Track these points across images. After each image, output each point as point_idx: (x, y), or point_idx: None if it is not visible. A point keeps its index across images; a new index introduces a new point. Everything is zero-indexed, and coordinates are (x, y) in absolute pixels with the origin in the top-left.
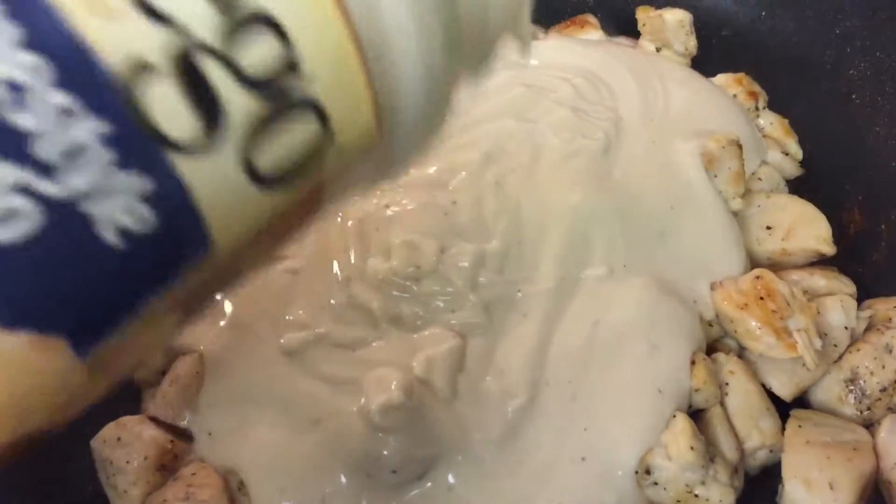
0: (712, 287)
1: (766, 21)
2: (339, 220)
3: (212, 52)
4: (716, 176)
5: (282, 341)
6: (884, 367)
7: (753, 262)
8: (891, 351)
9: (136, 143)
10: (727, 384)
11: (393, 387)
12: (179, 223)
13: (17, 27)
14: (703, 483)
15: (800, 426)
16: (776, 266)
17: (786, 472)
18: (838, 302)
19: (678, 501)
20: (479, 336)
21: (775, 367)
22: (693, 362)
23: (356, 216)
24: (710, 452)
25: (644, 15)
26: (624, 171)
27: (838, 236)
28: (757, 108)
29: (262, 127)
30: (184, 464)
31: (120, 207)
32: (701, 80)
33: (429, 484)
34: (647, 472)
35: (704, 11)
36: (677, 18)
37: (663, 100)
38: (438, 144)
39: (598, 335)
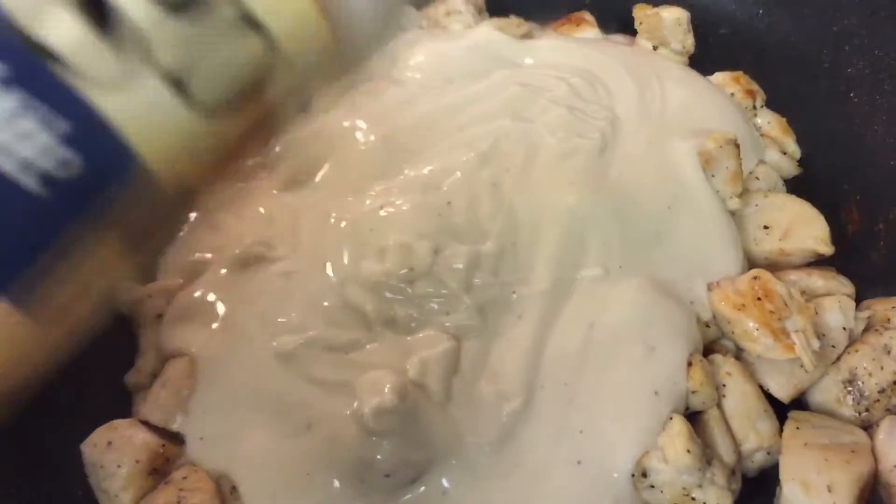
0: (709, 287)
1: (764, 19)
2: (332, 220)
3: None
4: (713, 175)
5: (274, 344)
6: (882, 368)
7: (751, 263)
8: (889, 352)
9: (42, 79)
10: (724, 386)
11: (386, 390)
12: (104, 157)
13: None
14: (699, 486)
15: (798, 428)
16: (774, 266)
17: (783, 474)
18: (836, 302)
19: None
20: (473, 338)
21: (773, 369)
22: (690, 364)
23: (350, 217)
24: (707, 455)
25: (641, 13)
26: (620, 171)
27: (836, 236)
28: (755, 107)
29: (192, 49)
30: (175, 468)
31: (36, 151)
32: (698, 78)
33: (423, 488)
34: (644, 475)
35: (702, 9)
36: (674, 16)
37: (660, 99)
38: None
39: (593, 337)
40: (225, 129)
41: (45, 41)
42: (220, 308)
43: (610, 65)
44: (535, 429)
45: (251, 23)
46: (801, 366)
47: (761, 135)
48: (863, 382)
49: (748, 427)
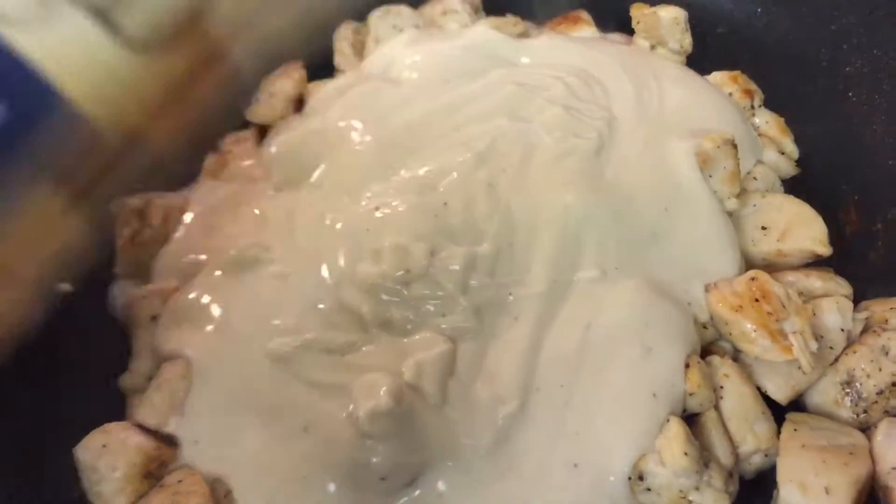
0: (707, 289)
1: (762, 18)
2: (327, 221)
3: None
4: (711, 176)
5: (270, 346)
6: (880, 369)
7: (748, 263)
8: (887, 353)
9: None
10: (722, 387)
11: (382, 392)
12: (27, 99)
13: None
14: (697, 489)
15: (795, 430)
16: (771, 267)
17: (781, 476)
18: (834, 304)
19: None
20: (469, 340)
21: (770, 370)
22: (687, 365)
23: (345, 218)
24: (704, 457)
25: (638, 12)
26: (617, 172)
27: (834, 236)
28: (752, 107)
29: None
30: (170, 471)
31: None
32: (696, 78)
33: (418, 491)
34: (641, 477)
35: (699, 8)
36: (672, 16)
37: (658, 98)
38: None
39: (590, 338)
40: (162, 67)
41: None
42: (215, 310)
43: (607, 64)
44: (531, 431)
45: None
46: (799, 367)
47: (759, 134)
48: (861, 384)
49: (746, 429)
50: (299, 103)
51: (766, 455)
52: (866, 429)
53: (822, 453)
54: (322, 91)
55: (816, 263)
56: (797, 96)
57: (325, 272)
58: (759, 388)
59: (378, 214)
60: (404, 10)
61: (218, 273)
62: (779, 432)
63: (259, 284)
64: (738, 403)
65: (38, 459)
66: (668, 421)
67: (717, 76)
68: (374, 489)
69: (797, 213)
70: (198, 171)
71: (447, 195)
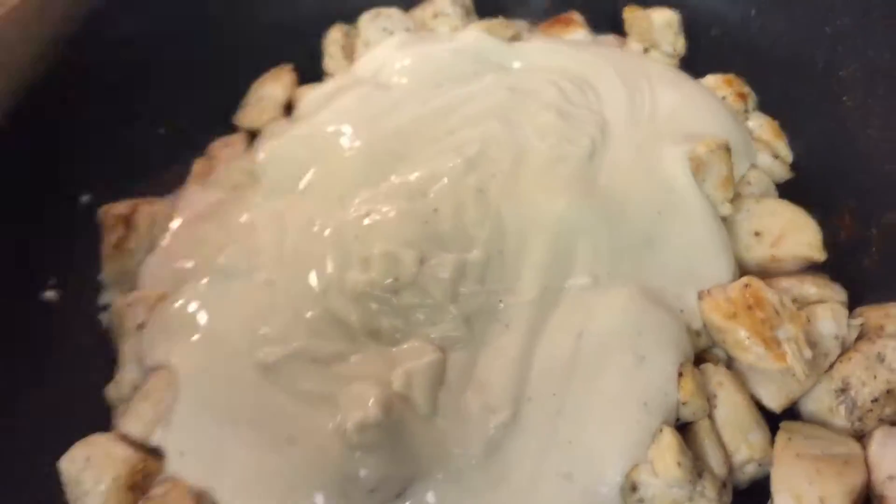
0: (700, 296)
1: (757, 20)
2: (316, 228)
3: None
4: (704, 180)
5: (256, 356)
6: (875, 377)
7: (742, 269)
8: (882, 360)
9: None
10: (715, 396)
11: (371, 403)
12: None
13: None
14: (690, 499)
15: (789, 439)
16: (765, 273)
17: (775, 486)
18: (828, 310)
19: None
20: (459, 349)
21: (765, 378)
22: (680, 374)
23: (334, 225)
24: (697, 467)
25: (631, 15)
26: (610, 177)
27: (829, 242)
28: (746, 110)
29: None
30: (155, 483)
31: None
32: (689, 81)
33: (408, 503)
34: (633, 488)
35: (693, 10)
36: (665, 19)
37: (651, 102)
38: None
39: (582, 346)
40: None
41: None
42: (202, 318)
43: (600, 68)
44: (522, 441)
45: None
46: (793, 375)
47: (753, 138)
48: (856, 392)
49: (739, 438)
50: (289, 108)
51: (760, 464)
52: (861, 437)
53: (816, 463)
54: (312, 95)
55: (811, 269)
56: (791, 100)
57: (313, 280)
58: (752, 396)
59: (367, 221)
60: (395, 12)
61: (205, 281)
62: (773, 441)
63: (246, 292)
64: (731, 412)
65: (21, 472)
66: (661, 430)
67: (710, 79)
68: (362, 501)
69: (791, 219)
70: (185, 177)
71: (437, 201)
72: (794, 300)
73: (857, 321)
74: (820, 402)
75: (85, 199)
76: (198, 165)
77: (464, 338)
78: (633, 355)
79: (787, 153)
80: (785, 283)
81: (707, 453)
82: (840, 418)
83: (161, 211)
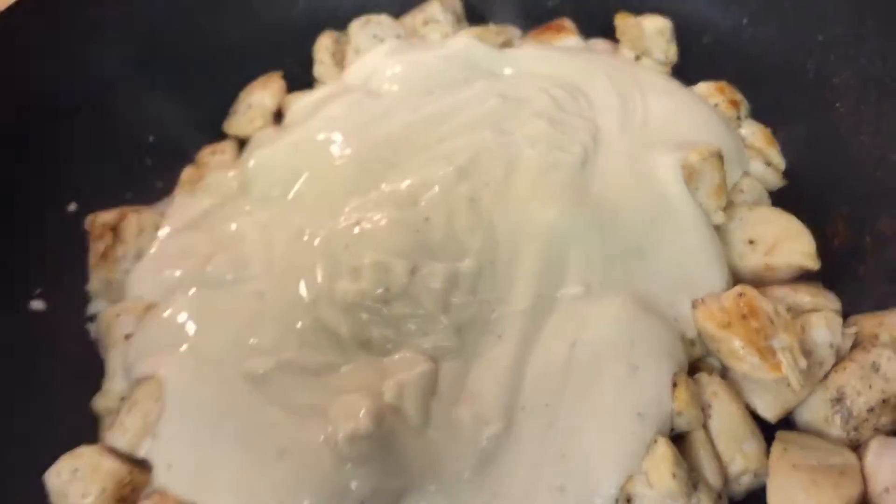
0: (694, 304)
1: (748, 28)
2: (306, 238)
3: None
4: (697, 189)
5: (245, 367)
6: (871, 386)
7: (736, 278)
8: (877, 370)
9: None
10: (710, 406)
11: (361, 414)
12: None
13: None
14: None
15: (785, 449)
16: (759, 281)
17: (771, 497)
18: (823, 319)
19: None
20: (451, 360)
21: (759, 388)
22: (674, 384)
23: (324, 234)
24: (692, 479)
25: (623, 22)
26: (602, 185)
27: (822, 250)
28: (739, 118)
29: None
30: (143, 496)
31: None
32: (681, 89)
33: None
34: (628, 500)
35: (685, 18)
36: (657, 26)
37: (643, 110)
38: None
39: (575, 356)
40: None
41: None
42: (190, 329)
43: (592, 75)
44: (515, 453)
45: None
46: (788, 385)
47: (745, 146)
48: (851, 402)
49: (735, 449)
50: (278, 115)
51: (755, 475)
52: (857, 447)
53: (812, 474)
54: (301, 103)
55: (804, 277)
56: (783, 107)
57: (302, 290)
58: (747, 406)
59: (357, 230)
60: (385, 19)
61: (193, 290)
62: (768, 451)
63: (235, 302)
64: (726, 422)
65: (6, 484)
66: (655, 441)
67: (702, 87)
68: None
69: (785, 227)
70: (173, 184)
71: (428, 210)
72: (789, 309)
73: (852, 330)
74: (815, 411)
75: (72, 207)
76: (186, 173)
77: (455, 348)
78: (626, 365)
79: (779, 161)
80: (779, 291)
81: (702, 464)
82: (836, 428)
83: (149, 219)
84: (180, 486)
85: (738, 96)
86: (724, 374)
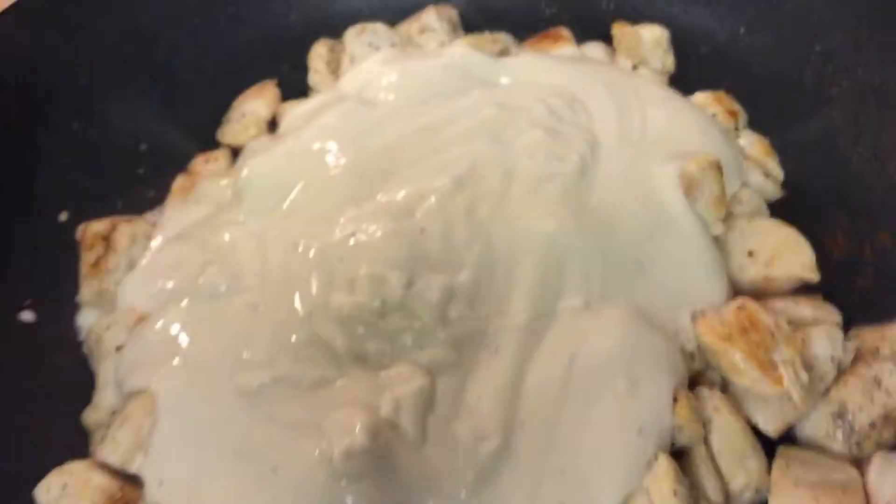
0: (693, 317)
1: (746, 38)
2: (300, 249)
3: None
4: (696, 200)
5: (238, 381)
6: (873, 401)
7: (735, 289)
8: (879, 384)
9: None
10: (711, 421)
11: (357, 430)
12: None
13: None
14: None
15: (787, 465)
16: (759, 293)
17: None
18: (824, 332)
19: None
20: (448, 374)
21: (761, 402)
22: (675, 398)
23: (319, 245)
24: (693, 495)
25: (620, 31)
26: (600, 196)
27: (822, 261)
28: (737, 128)
29: None
30: None
31: None
32: (679, 99)
33: None
34: None
35: (682, 27)
36: (654, 36)
37: (640, 120)
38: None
39: (574, 371)
40: None
41: None
42: (183, 341)
43: (589, 84)
44: (514, 469)
45: None
46: (790, 399)
47: (744, 156)
48: (853, 417)
49: (736, 464)
50: (272, 124)
51: (757, 492)
52: (859, 462)
53: (814, 490)
54: (296, 111)
55: (804, 289)
56: (782, 117)
57: (297, 302)
58: (748, 421)
59: (353, 241)
60: (380, 27)
61: (185, 302)
62: (770, 467)
63: (228, 315)
64: (727, 438)
65: None
66: (656, 457)
67: (700, 97)
68: None
69: (784, 238)
70: (166, 194)
71: (425, 221)
72: (789, 322)
73: (853, 343)
74: (817, 427)
75: (63, 216)
76: (178, 182)
77: (452, 362)
78: (626, 380)
79: (778, 171)
80: (779, 304)
81: (703, 481)
82: (837, 443)
83: (141, 229)
84: (172, 502)
85: (736, 106)
86: (725, 387)
